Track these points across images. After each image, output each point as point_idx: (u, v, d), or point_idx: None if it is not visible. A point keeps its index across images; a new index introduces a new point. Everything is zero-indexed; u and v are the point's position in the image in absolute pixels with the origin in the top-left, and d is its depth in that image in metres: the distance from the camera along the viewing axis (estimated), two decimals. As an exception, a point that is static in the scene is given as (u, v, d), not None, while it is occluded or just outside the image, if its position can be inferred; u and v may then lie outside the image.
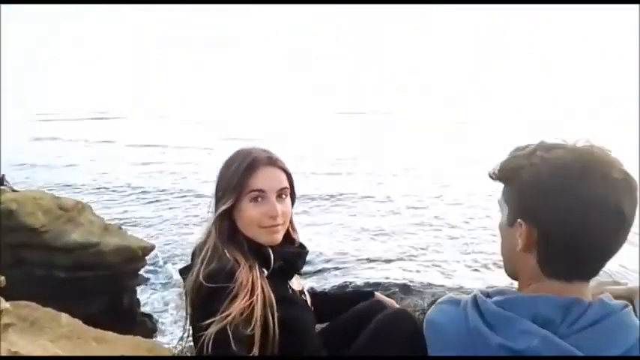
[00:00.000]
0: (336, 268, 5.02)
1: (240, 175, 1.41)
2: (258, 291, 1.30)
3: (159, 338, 3.61)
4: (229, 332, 1.22)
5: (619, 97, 24.36)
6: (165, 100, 20.42)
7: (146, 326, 3.70)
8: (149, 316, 3.79)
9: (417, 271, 5.01)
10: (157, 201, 6.83)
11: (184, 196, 6.88)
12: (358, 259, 5.26)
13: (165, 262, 4.82)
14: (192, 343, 1.42)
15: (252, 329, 1.27)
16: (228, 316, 1.23)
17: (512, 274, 1.03)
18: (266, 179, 1.43)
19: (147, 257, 3.76)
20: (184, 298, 1.47)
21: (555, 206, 0.88)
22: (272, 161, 1.47)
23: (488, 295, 0.96)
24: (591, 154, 0.89)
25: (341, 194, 7.57)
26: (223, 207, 1.42)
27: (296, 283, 1.56)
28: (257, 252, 1.42)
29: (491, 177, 1.04)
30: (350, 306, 1.73)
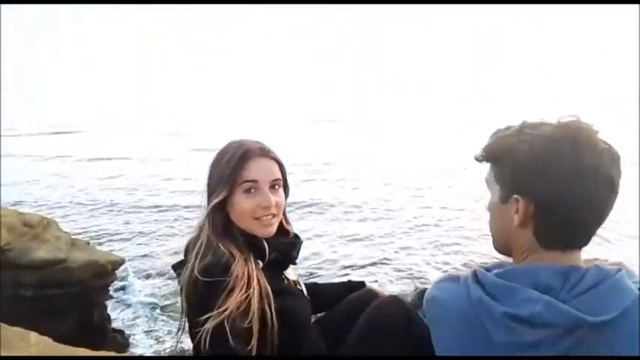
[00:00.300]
0: (311, 274, 5.00)
1: (232, 167, 1.34)
2: (254, 283, 1.24)
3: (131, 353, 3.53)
4: (227, 327, 1.15)
5: (619, 97, 24.39)
6: (151, 107, 20.29)
7: (117, 342, 3.49)
8: (120, 331, 3.58)
9: (386, 274, 4.93)
10: (127, 213, 6.61)
11: (154, 208, 6.72)
12: (334, 266, 5.17)
13: (136, 276, 4.68)
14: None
15: (250, 322, 1.20)
16: (225, 310, 1.16)
17: (505, 250, 1.03)
18: (259, 170, 1.36)
19: (117, 271, 3.52)
20: (179, 293, 1.34)
21: (552, 178, 0.90)
22: (264, 152, 1.39)
23: (487, 269, 0.97)
24: (578, 128, 0.92)
25: (316, 200, 7.16)
26: (216, 200, 1.34)
27: (292, 273, 1.49)
28: (252, 244, 1.34)
29: (478, 159, 1.04)
30: (342, 297, 1.68)
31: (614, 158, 0.91)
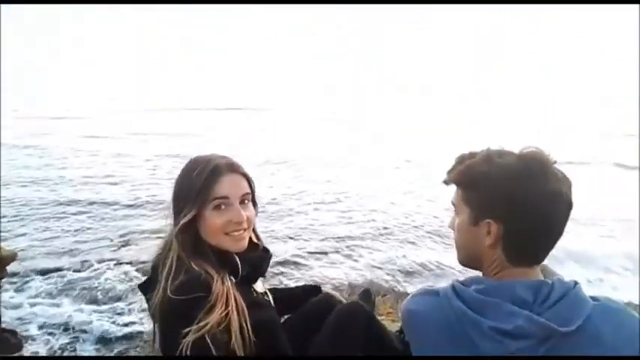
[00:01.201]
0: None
1: (202, 184, 1.35)
2: (232, 301, 1.29)
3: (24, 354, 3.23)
4: (208, 339, 1.20)
5: (619, 97, 24.31)
6: (151, 107, 20.08)
7: (9, 343, 3.16)
8: (12, 331, 3.26)
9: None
10: (22, 206, 6.03)
11: (47, 205, 6.15)
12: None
13: (29, 272, 4.24)
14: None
15: (231, 338, 1.25)
16: (205, 325, 1.20)
17: (472, 265, 1.15)
18: (229, 186, 1.39)
19: (7, 267, 3.13)
20: (149, 314, 1.37)
21: (525, 203, 1.00)
22: (233, 168, 1.42)
23: (463, 284, 1.06)
24: (542, 157, 1.04)
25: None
26: (186, 219, 1.35)
27: (259, 285, 1.56)
28: (224, 261, 1.38)
29: (446, 183, 1.14)
30: (302, 301, 1.78)
31: (570, 184, 1.05)
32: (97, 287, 4.05)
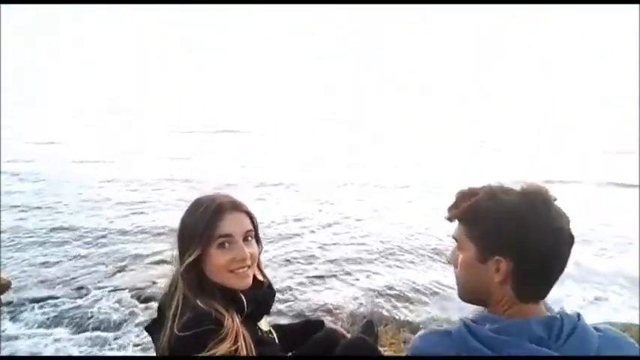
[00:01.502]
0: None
1: (206, 222, 1.38)
2: (241, 339, 1.30)
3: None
4: None
5: (619, 97, 24.33)
6: (151, 107, 19.96)
7: None
8: None
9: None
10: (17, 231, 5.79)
11: (42, 230, 5.92)
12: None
13: (23, 300, 4.12)
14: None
15: None
16: (215, 353, 1.21)
17: (475, 301, 1.14)
18: (232, 224, 1.41)
19: (2, 295, 3.18)
20: (157, 355, 1.38)
21: (532, 239, 1.02)
22: (236, 206, 1.44)
23: (475, 322, 1.06)
24: (544, 194, 1.05)
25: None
26: (190, 258, 1.37)
27: (264, 323, 1.56)
28: (230, 299, 1.39)
29: (449, 220, 1.14)
30: (306, 336, 1.82)
31: (569, 220, 1.06)
32: (90, 317, 3.88)
